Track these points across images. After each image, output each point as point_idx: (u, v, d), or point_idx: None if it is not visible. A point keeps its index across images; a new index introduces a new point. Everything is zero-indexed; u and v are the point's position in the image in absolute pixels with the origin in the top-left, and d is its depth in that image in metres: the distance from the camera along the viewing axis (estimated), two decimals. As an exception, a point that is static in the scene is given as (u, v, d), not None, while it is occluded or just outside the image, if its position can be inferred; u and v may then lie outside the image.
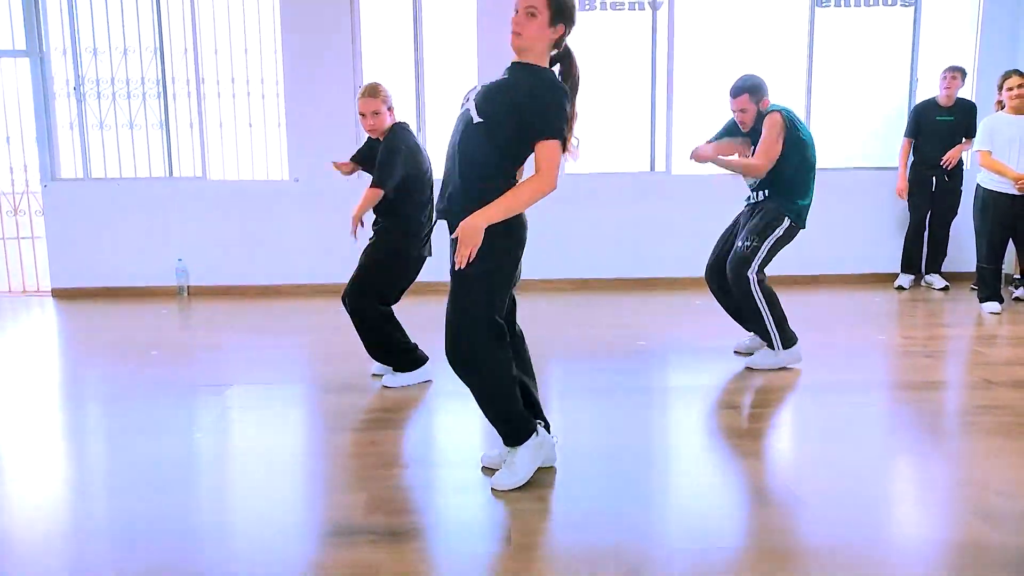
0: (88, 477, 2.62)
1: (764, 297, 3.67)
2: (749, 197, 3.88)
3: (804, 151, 3.68)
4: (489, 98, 2.22)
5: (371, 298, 3.42)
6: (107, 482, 2.55)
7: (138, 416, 3.19)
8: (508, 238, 2.23)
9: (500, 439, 2.43)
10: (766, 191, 3.75)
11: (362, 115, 3.42)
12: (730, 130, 3.90)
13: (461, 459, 2.65)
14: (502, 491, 2.33)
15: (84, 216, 6.13)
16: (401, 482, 2.49)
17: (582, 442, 2.80)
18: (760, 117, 3.68)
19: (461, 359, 2.26)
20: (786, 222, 3.68)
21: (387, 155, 3.35)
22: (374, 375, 3.66)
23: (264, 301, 5.88)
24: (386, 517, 2.21)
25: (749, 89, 3.66)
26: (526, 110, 2.18)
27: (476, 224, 2.14)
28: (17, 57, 6.10)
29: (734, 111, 3.74)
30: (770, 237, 3.67)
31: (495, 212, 2.16)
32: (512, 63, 2.31)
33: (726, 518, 2.21)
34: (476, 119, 2.20)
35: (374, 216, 3.55)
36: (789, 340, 3.73)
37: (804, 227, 3.77)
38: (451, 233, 2.27)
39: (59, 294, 6.22)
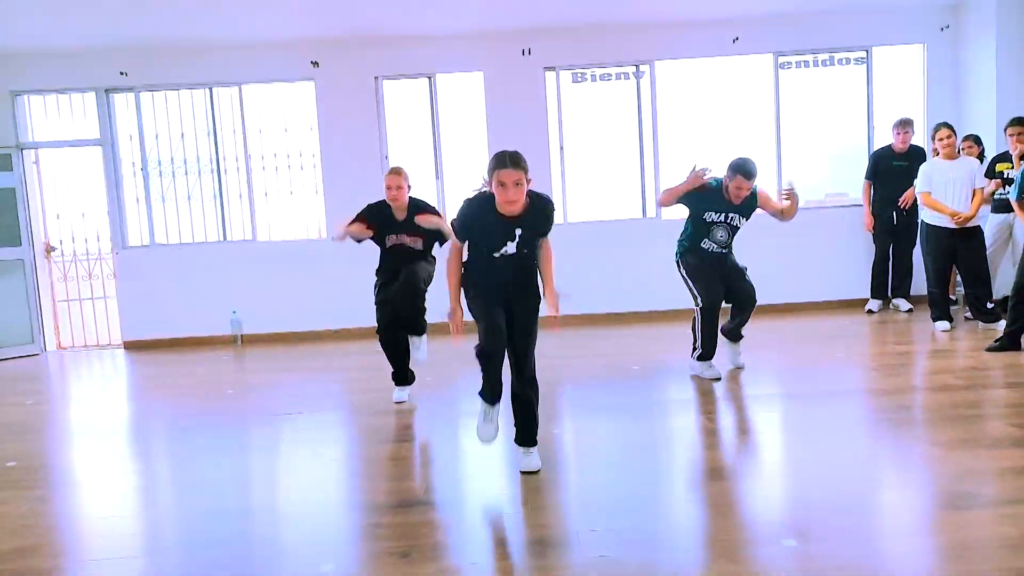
0: (193, 481, 3.44)
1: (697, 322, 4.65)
2: (712, 248, 4.61)
3: None
4: (529, 238, 3.16)
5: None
6: (209, 485, 3.37)
7: (229, 438, 4.02)
8: None
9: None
10: (728, 249, 4.66)
11: (388, 188, 4.32)
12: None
13: (483, 455, 3.45)
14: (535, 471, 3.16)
15: (150, 277, 7.07)
16: (437, 474, 3.29)
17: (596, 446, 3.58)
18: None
19: (532, 376, 3.18)
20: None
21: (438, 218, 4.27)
22: (396, 403, 4.47)
23: (307, 344, 6.74)
24: (428, 495, 3.00)
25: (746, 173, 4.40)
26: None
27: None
28: (91, 145, 7.13)
29: (741, 188, 4.42)
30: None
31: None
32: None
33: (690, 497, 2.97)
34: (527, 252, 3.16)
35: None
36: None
37: None
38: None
39: (129, 346, 7.13)
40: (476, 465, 3.39)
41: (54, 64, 6.86)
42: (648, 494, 2.92)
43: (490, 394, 3.31)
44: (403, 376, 4.48)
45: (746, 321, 4.80)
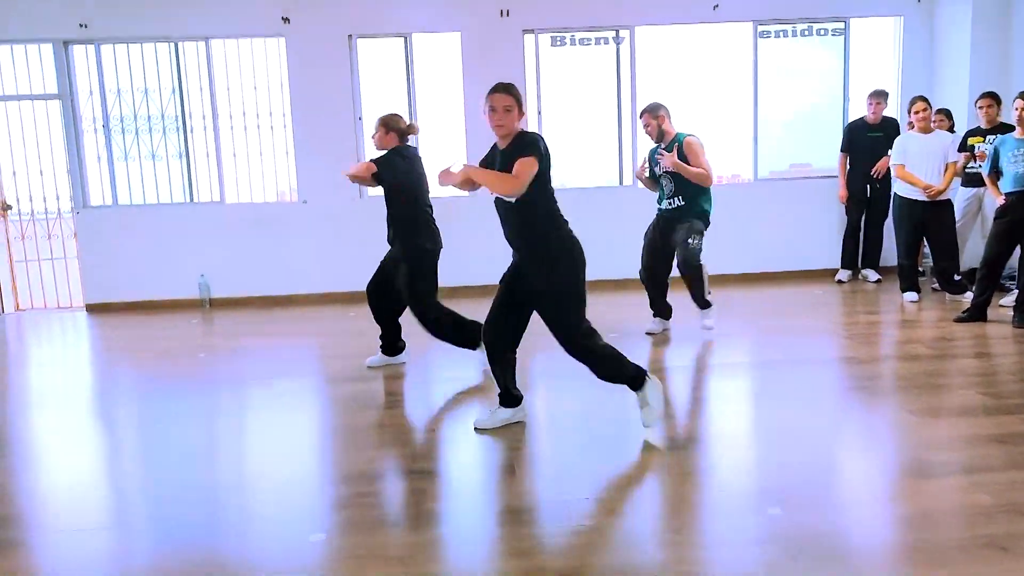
0: (166, 451, 3.36)
1: (705, 273, 4.86)
2: (665, 204, 4.85)
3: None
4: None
5: (431, 303, 4.14)
6: (169, 454, 3.30)
7: (188, 406, 3.94)
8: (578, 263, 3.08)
9: (492, 404, 3.25)
10: (681, 199, 4.76)
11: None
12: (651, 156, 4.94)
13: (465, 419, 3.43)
14: (653, 424, 3.13)
15: (113, 238, 6.84)
16: (424, 441, 3.26)
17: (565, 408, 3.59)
18: (661, 134, 4.74)
19: (583, 347, 3.08)
20: (705, 225, 4.82)
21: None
22: (370, 367, 4.41)
23: (279, 309, 6.62)
24: (419, 463, 2.98)
25: (650, 109, 4.74)
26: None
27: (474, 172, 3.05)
28: (49, 100, 6.81)
29: (647, 125, 4.79)
30: (703, 235, 4.78)
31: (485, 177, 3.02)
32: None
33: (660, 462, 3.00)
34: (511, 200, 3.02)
35: (390, 233, 4.21)
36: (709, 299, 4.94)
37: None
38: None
39: (92, 308, 6.92)
40: (463, 432, 3.37)
41: (9, 14, 6.50)
42: (624, 464, 2.95)
43: (501, 393, 3.30)
44: (386, 343, 4.42)
45: (692, 291, 4.89)
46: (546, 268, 3.03)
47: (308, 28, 6.66)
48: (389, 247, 4.27)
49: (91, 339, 6.06)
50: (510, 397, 3.30)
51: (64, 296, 7.38)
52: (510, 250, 3.20)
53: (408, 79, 6.87)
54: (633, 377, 3.11)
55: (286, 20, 6.62)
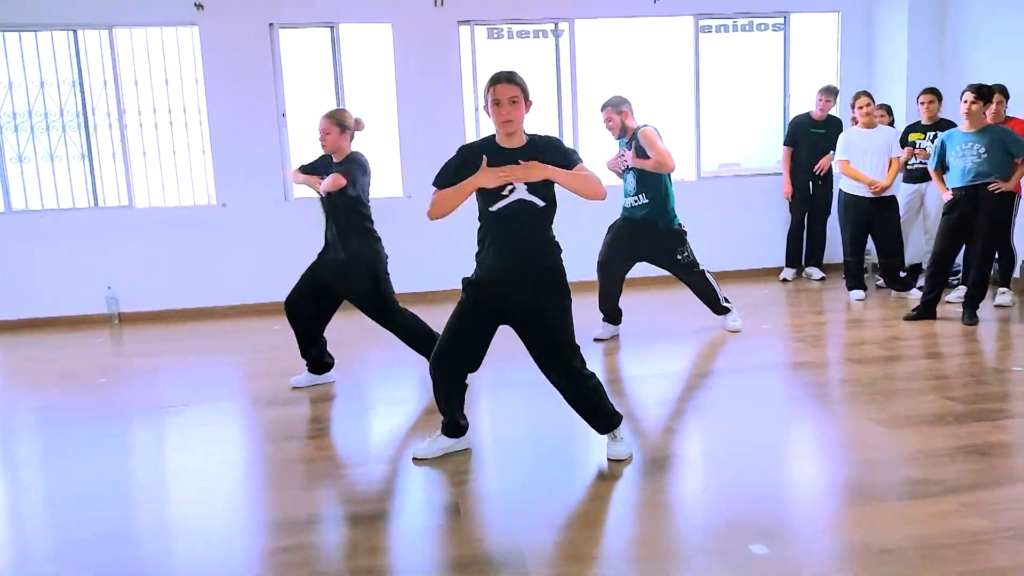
0: (57, 496, 2.89)
1: (712, 278, 4.85)
2: (630, 203, 4.63)
3: None
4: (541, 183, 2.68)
5: (398, 311, 3.82)
6: (72, 498, 2.83)
7: (92, 440, 3.44)
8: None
9: (433, 431, 2.94)
10: (644, 196, 4.56)
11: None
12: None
13: (398, 455, 3.06)
14: (621, 459, 2.82)
15: (8, 247, 6.15)
16: (358, 478, 2.89)
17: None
18: (624, 130, 4.56)
19: (578, 371, 2.79)
20: (680, 236, 4.73)
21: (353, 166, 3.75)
22: (294, 388, 4.00)
23: (197, 323, 6.07)
24: (353, 506, 2.60)
25: (612, 103, 4.55)
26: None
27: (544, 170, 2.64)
28: (-72, 92, 6.09)
29: (609, 120, 4.58)
30: (688, 244, 4.76)
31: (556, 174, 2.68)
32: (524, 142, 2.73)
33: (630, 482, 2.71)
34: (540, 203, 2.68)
35: (339, 242, 3.78)
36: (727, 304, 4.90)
37: None
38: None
39: (-15, 327, 6.22)
40: (403, 466, 3.00)
41: None
42: (581, 496, 2.65)
43: (446, 423, 2.94)
44: (312, 361, 4.01)
45: (706, 301, 4.88)
46: (558, 278, 2.77)
47: (224, 16, 6.13)
48: (322, 256, 3.87)
49: (-19, 362, 5.40)
50: (457, 427, 2.96)
51: (-49, 313, 6.61)
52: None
53: (335, 73, 6.42)
54: (611, 413, 2.86)
55: (199, 6, 6.06)
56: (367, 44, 6.48)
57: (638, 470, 2.79)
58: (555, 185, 2.70)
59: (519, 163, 2.62)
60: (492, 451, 3.07)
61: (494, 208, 2.66)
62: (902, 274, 5.74)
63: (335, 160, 3.80)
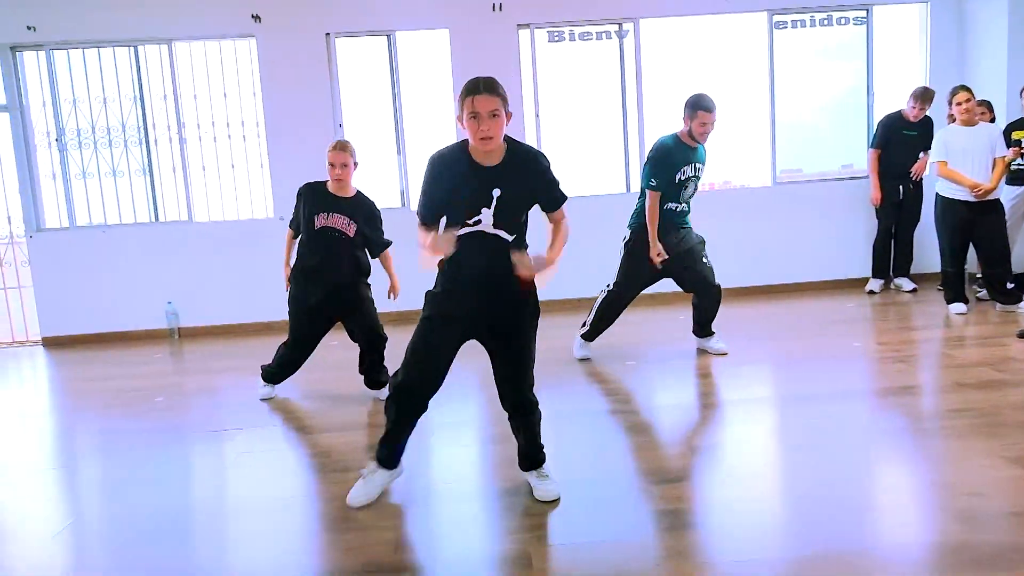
0: (114, 526, 2.71)
1: None
2: (681, 208, 4.32)
3: None
4: (512, 207, 2.47)
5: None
6: (129, 530, 2.65)
7: (139, 467, 3.28)
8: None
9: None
10: (688, 204, 4.36)
11: (331, 165, 3.66)
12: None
13: (464, 489, 2.79)
14: (551, 499, 2.62)
15: (71, 264, 6.19)
16: (415, 519, 2.62)
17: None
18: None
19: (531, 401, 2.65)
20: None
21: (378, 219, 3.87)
22: (263, 399, 4.10)
23: (255, 338, 5.96)
24: (408, 554, 2.34)
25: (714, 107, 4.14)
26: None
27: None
28: (-3, 111, 6.18)
29: (707, 124, 4.12)
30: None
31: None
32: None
33: (712, 529, 2.37)
34: (509, 238, 2.48)
35: (349, 277, 3.88)
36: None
37: None
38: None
39: (49, 342, 6.26)
40: (469, 504, 2.73)
41: (-54, 17, 5.87)
42: (627, 531, 2.32)
43: (387, 453, 2.68)
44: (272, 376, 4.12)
45: (714, 314, 4.40)
46: (533, 299, 2.58)
47: (281, 27, 6.05)
48: (328, 288, 3.87)
49: (47, 379, 5.39)
50: (399, 454, 2.73)
51: (20, 329, 6.70)
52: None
53: (392, 81, 6.26)
54: (542, 447, 2.74)
55: (257, 18, 6.00)
56: (424, 51, 6.30)
57: (678, 522, 2.44)
58: (527, 211, 2.52)
59: (511, 254, 2.40)
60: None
61: (459, 233, 2.43)
62: (1010, 285, 5.20)
63: (335, 193, 3.80)
